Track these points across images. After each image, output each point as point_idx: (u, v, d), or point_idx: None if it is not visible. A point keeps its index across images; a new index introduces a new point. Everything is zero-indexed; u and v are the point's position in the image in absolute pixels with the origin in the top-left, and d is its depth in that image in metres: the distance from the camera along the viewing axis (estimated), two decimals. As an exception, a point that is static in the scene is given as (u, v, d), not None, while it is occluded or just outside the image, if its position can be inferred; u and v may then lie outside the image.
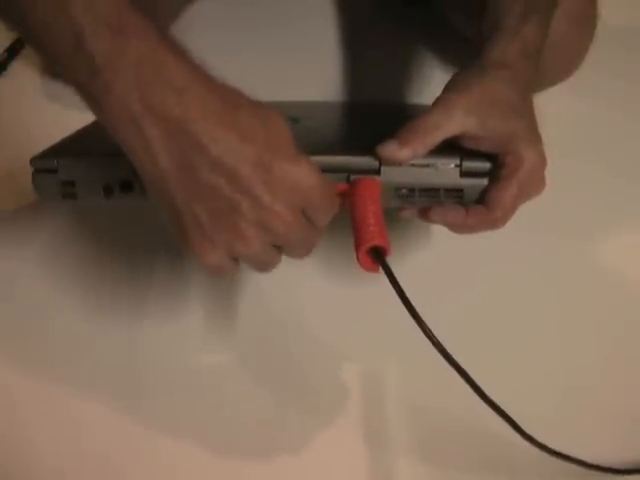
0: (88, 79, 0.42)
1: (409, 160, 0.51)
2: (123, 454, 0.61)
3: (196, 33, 0.81)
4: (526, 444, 0.52)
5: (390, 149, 0.51)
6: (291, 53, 0.83)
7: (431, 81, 0.82)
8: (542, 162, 0.53)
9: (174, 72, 0.43)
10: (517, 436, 0.51)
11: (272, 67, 0.82)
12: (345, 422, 0.62)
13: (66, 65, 0.43)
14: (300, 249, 0.49)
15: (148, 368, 0.65)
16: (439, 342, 0.46)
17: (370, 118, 0.67)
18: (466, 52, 0.79)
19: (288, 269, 0.65)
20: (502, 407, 0.48)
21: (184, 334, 0.67)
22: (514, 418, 0.50)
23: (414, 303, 0.46)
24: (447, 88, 0.54)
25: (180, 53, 0.44)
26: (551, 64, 0.79)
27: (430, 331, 0.46)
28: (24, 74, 0.84)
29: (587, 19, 0.78)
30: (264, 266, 0.49)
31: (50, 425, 0.62)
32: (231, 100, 0.44)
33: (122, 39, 0.42)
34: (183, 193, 0.44)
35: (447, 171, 0.52)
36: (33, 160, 0.53)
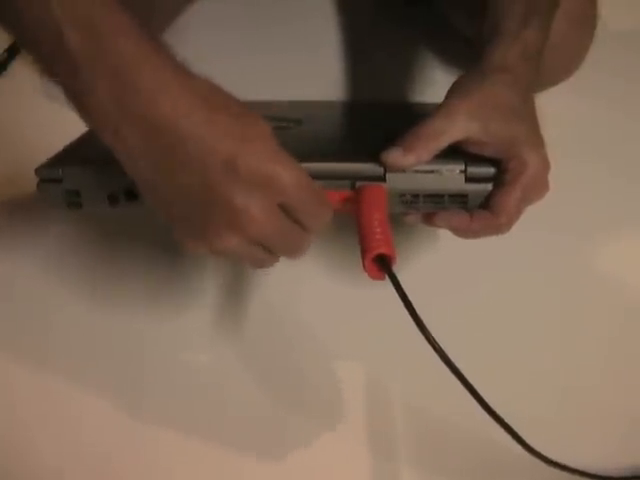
0: (69, 79, 0.42)
1: (413, 166, 0.51)
2: (123, 453, 0.61)
3: (196, 33, 0.81)
4: (527, 455, 0.52)
5: (394, 156, 0.51)
6: (292, 53, 0.83)
7: (432, 81, 0.82)
8: (545, 166, 0.53)
9: (149, 73, 0.42)
10: (517, 447, 0.51)
11: (273, 67, 0.82)
12: (346, 424, 0.62)
13: (49, 65, 0.43)
14: (285, 250, 0.49)
15: (149, 367, 0.65)
16: (443, 351, 0.46)
17: (373, 119, 0.66)
18: (467, 53, 0.80)
19: (291, 270, 0.66)
20: (503, 411, 0.48)
21: (185, 334, 0.67)
22: (515, 423, 0.49)
23: (418, 308, 0.46)
24: (449, 94, 0.54)
25: (159, 53, 0.43)
26: (551, 64, 0.79)
27: (434, 340, 0.46)
28: (24, 74, 0.83)
29: (587, 19, 0.78)
30: (254, 263, 0.49)
31: (51, 424, 0.63)
32: (207, 99, 0.44)
33: (99, 39, 0.42)
34: (164, 193, 0.45)
35: (452, 177, 0.52)
36: (38, 170, 0.53)
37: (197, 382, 0.64)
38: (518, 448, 0.51)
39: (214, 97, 0.45)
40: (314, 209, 0.47)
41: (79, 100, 0.43)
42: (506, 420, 0.48)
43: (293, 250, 0.49)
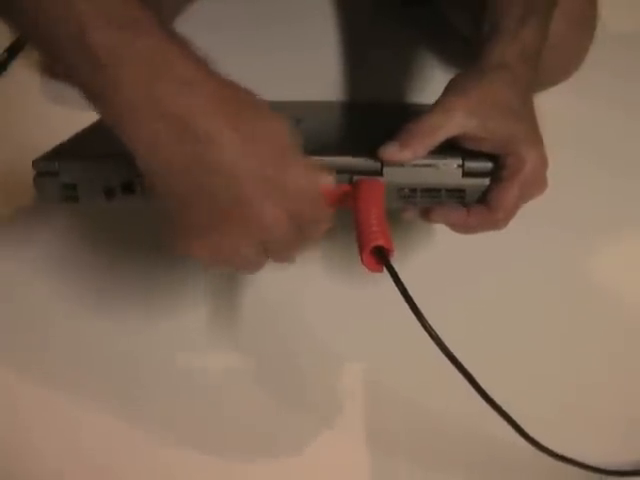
0: (91, 75, 0.42)
1: (410, 161, 0.51)
2: (122, 455, 0.61)
3: (195, 32, 0.81)
4: (528, 446, 0.52)
5: (391, 150, 0.51)
6: (291, 53, 0.83)
7: (431, 81, 0.82)
8: (543, 163, 0.53)
9: (181, 67, 0.42)
10: (519, 438, 0.51)
11: (272, 67, 0.82)
12: (346, 422, 0.62)
13: (68, 61, 0.42)
14: (283, 255, 0.49)
15: (148, 368, 0.65)
16: (442, 342, 0.46)
17: (372, 118, 0.67)
18: (466, 52, 0.80)
19: (289, 269, 0.65)
20: (504, 405, 0.48)
21: (185, 335, 0.67)
22: (515, 418, 0.50)
23: (417, 303, 0.46)
24: (446, 90, 0.54)
25: (186, 48, 0.43)
26: (551, 65, 0.79)
27: (434, 331, 0.46)
28: (24, 74, 0.84)
29: (587, 20, 0.78)
30: (247, 268, 0.50)
31: (50, 426, 0.62)
32: (238, 99, 0.44)
33: (127, 34, 0.41)
34: (182, 188, 0.44)
35: (449, 171, 0.52)
36: (35, 163, 0.53)
37: (197, 383, 0.64)
38: (519, 442, 0.51)
39: (243, 97, 0.45)
40: (322, 223, 0.49)
41: (100, 94, 0.42)
42: (497, 403, 0.48)
43: (289, 256, 0.50)
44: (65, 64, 0.43)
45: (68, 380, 0.64)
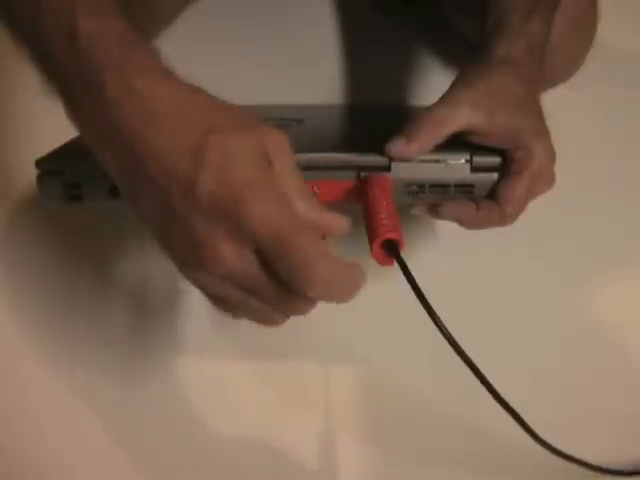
0: (59, 90, 0.42)
1: (417, 155, 0.51)
2: (123, 453, 0.60)
3: (195, 32, 0.82)
4: (531, 445, 0.51)
5: (398, 144, 0.51)
6: (290, 55, 0.83)
7: (431, 81, 0.82)
8: (551, 157, 0.53)
9: (119, 84, 0.40)
10: (521, 436, 0.50)
11: (270, 70, 0.82)
12: (348, 417, 0.61)
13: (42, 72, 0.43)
14: (260, 317, 0.41)
15: (148, 368, 0.64)
16: (454, 338, 0.46)
17: (375, 118, 0.67)
18: (466, 51, 0.80)
19: None
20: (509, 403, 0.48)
21: (187, 335, 0.66)
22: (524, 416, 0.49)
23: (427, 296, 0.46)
24: (453, 84, 0.54)
25: (144, 55, 0.41)
26: (551, 66, 0.80)
27: (445, 327, 0.45)
28: (24, 74, 0.83)
29: (587, 22, 0.79)
30: (254, 315, 0.42)
31: (52, 424, 0.62)
32: (186, 112, 0.40)
33: (75, 48, 0.40)
34: (135, 204, 0.42)
35: (457, 166, 0.52)
36: (38, 162, 0.53)
37: (197, 384, 0.64)
38: (522, 442, 0.50)
39: (193, 109, 0.40)
40: (299, 264, 0.37)
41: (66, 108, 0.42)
42: (508, 404, 0.48)
43: (269, 319, 0.41)
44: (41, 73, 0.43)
45: (70, 380, 0.64)
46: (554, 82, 0.81)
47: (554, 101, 0.79)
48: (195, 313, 0.67)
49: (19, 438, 0.61)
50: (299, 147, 0.53)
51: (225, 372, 0.64)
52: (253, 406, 0.62)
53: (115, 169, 0.41)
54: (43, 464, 0.61)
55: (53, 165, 0.52)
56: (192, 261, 0.38)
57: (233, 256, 0.37)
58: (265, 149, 0.39)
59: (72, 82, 0.41)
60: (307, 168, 0.52)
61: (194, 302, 0.68)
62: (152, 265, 0.70)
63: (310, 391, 0.64)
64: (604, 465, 0.56)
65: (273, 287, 0.38)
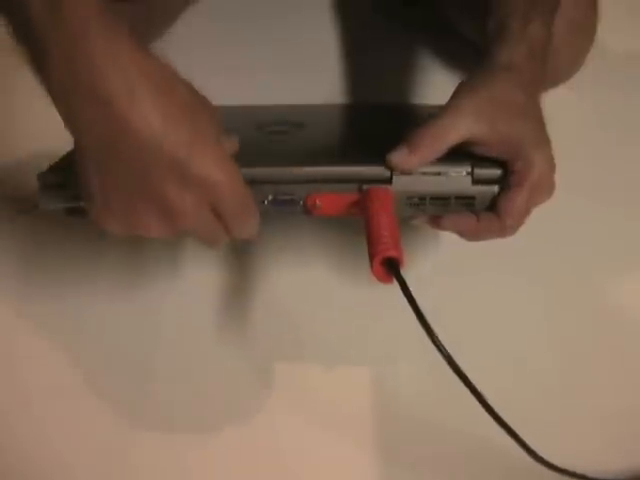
0: (30, 46, 0.43)
1: (420, 166, 0.51)
2: (126, 452, 0.60)
3: (194, 32, 0.81)
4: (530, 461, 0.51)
5: (400, 156, 0.51)
6: (290, 55, 0.83)
7: (431, 81, 0.82)
8: (551, 167, 0.53)
9: (103, 46, 0.42)
10: (519, 449, 0.50)
11: (271, 68, 0.82)
12: (349, 429, 0.61)
13: (17, 33, 0.44)
14: (202, 241, 0.50)
15: (150, 368, 0.65)
16: (451, 356, 0.46)
17: (376, 121, 0.66)
18: (467, 53, 0.79)
19: (299, 272, 0.68)
20: (503, 414, 0.48)
21: (190, 335, 0.66)
22: (514, 426, 0.49)
23: (425, 311, 0.46)
24: (455, 94, 0.54)
25: (116, 27, 0.43)
26: (551, 67, 0.79)
27: (444, 347, 0.45)
28: (24, 74, 0.82)
29: (587, 23, 0.78)
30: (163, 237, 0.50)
31: (55, 422, 0.62)
32: (161, 83, 0.44)
33: (59, 7, 0.42)
34: (102, 170, 0.45)
35: (458, 179, 0.52)
36: (41, 175, 0.52)
37: (201, 386, 0.64)
38: (519, 452, 0.50)
39: (169, 83, 0.45)
40: (241, 218, 0.48)
41: (37, 67, 0.44)
42: (505, 421, 0.48)
43: (209, 243, 0.51)
44: (15, 35, 0.44)
45: (75, 375, 0.64)
46: (554, 83, 0.81)
47: (554, 102, 0.80)
48: (202, 315, 0.67)
49: (20, 436, 0.62)
50: (300, 158, 0.53)
51: (225, 372, 0.65)
52: (257, 409, 0.63)
53: (90, 127, 0.44)
54: (45, 463, 0.61)
55: (56, 178, 0.52)
56: (156, 215, 0.46)
57: (193, 212, 0.46)
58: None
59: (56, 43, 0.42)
60: (308, 181, 0.52)
61: (201, 304, 0.68)
62: (151, 266, 0.70)
63: (314, 396, 0.64)
64: (601, 477, 0.56)
65: (214, 226, 0.48)
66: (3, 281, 0.69)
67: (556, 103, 0.76)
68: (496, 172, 0.52)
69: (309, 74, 0.81)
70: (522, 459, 0.51)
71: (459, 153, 0.52)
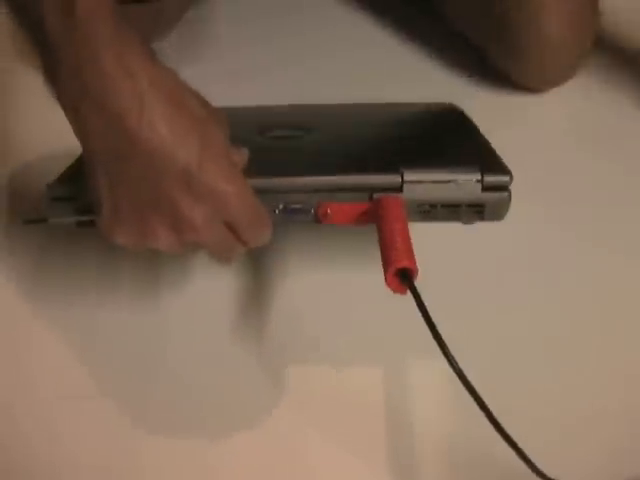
0: (48, 58, 0.43)
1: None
2: (125, 453, 0.60)
3: (194, 33, 0.81)
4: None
5: None
6: (289, 55, 0.82)
7: (431, 80, 0.81)
8: None
9: (114, 57, 0.42)
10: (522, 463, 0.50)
11: (271, 68, 0.81)
12: (352, 437, 0.61)
13: (33, 36, 0.44)
14: (216, 256, 0.51)
15: (153, 368, 0.64)
16: (461, 371, 0.45)
17: (381, 124, 0.66)
18: (466, 51, 0.79)
19: (310, 277, 0.67)
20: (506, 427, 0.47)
21: (191, 336, 0.66)
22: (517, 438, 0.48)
23: (438, 322, 0.45)
24: None
25: (128, 37, 0.43)
26: (552, 67, 0.80)
27: (454, 359, 0.45)
28: (24, 74, 0.82)
29: (588, 23, 0.79)
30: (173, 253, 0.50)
31: (66, 425, 0.62)
32: (172, 95, 0.44)
33: (72, 14, 0.42)
34: (108, 177, 0.45)
35: (469, 186, 0.52)
36: (49, 187, 0.52)
37: (205, 389, 0.64)
38: (519, 464, 0.50)
39: (179, 94, 0.45)
40: (254, 229, 0.49)
41: (51, 77, 0.44)
42: (512, 438, 0.47)
43: (222, 257, 0.51)
44: (31, 37, 0.45)
45: (76, 377, 0.63)
46: (556, 81, 0.81)
47: (553, 102, 0.80)
48: (206, 317, 0.67)
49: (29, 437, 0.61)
50: (310, 167, 0.53)
51: (238, 376, 0.64)
52: (261, 412, 0.63)
53: (101, 137, 0.44)
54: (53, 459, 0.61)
55: (65, 191, 0.51)
56: (168, 227, 0.46)
57: (205, 226, 0.46)
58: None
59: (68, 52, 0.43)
60: (319, 190, 0.52)
61: (204, 307, 0.68)
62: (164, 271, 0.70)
63: (322, 401, 0.64)
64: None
65: (226, 238, 0.48)
66: (17, 285, 0.69)
67: (556, 104, 0.77)
68: (505, 178, 0.52)
69: (308, 74, 0.81)
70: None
71: (468, 160, 0.52)
